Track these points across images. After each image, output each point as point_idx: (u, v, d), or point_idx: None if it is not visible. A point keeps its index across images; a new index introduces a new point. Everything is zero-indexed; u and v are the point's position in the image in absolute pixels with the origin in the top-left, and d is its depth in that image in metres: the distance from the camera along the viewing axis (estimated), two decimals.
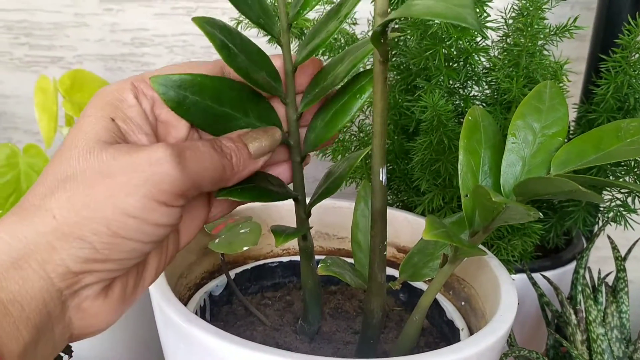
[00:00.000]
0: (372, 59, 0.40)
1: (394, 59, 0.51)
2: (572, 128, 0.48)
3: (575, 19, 0.42)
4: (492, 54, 0.46)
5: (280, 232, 0.34)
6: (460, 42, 0.40)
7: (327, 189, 0.35)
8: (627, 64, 0.42)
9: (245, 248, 0.39)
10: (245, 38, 0.33)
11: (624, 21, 0.62)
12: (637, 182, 0.42)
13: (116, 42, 0.73)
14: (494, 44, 0.46)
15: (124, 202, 0.26)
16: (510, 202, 0.28)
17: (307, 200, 0.37)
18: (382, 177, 0.35)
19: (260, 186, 0.33)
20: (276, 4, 0.36)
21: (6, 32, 0.72)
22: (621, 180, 0.43)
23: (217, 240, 0.41)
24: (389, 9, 0.29)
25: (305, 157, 0.36)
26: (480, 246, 0.41)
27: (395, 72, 0.50)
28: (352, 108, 0.33)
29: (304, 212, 0.37)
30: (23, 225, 0.26)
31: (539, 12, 0.39)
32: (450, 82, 0.44)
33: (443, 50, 0.41)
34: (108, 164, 0.27)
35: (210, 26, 0.30)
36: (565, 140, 0.35)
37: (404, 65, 0.48)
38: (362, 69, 0.36)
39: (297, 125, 0.35)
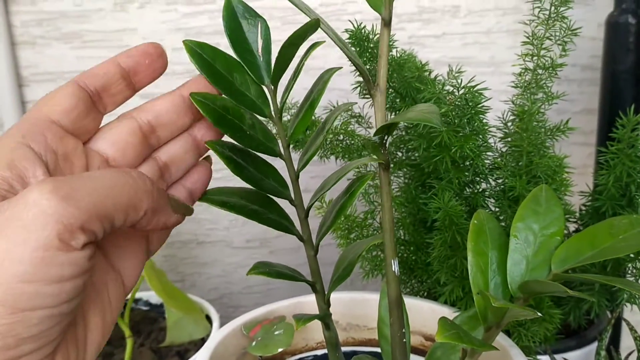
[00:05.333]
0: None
1: (410, 157, 0.55)
2: (579, 215, 0.51)
3: (567, 120, 0.46)
4: (497, 148, 0.50)
5: (300, 318, 0.38)
6: (464, 149, 0.44)
7: (340, 276, 0.40)
8: (624, 155, 0.46)
9: (280, 350, 0.43)
10: (252, 153, 0.39)
11: (627, 98, 0.65)
12: None
13: None
14: (497, 141, 0.50)
15: (13, 266, 0.22)
16: (509, 305, 0.31)
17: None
18: (395, 267, 0.39)
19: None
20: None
21: None
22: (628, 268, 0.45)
23: (254, 343, 0.44)
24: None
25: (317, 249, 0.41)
26: (501, 335, 0.44)
27: (410, 169, 0.55)
28: (348, 206, 0.38)
29: (323, 301, 0.41)
30: None
31: (533, 117, 0.43)
32: (460, 180, 0.48)
33: (449, 156, 0.45)
34: None
35: (219, 146, 0.37)
36: (566, 234, 0.38)
37: (418, 164, 0.53)
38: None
39: (307, 223, 0.40)
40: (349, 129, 0.55)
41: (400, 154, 0.57)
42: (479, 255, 0.39)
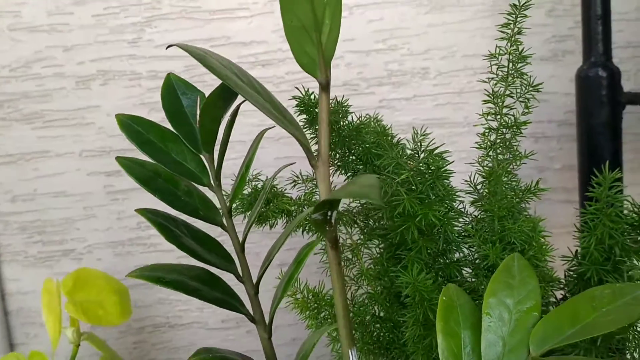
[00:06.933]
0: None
1: (381, 226, 0.51)
2: (564, 281, 0.47)
3: (538, 181, 0.43)
4: (469, 214, 0.47)
5: None
6: (429, 217, 0.40)
7: None
8: (604, 215, 0.42)
9: None
10: (191, 226, 0.39)
11: (606, 152, 0.63)
12: None
13: (123, 228, 0.76)
14: (468, 206, 0.47)
15: None
16: None
17: None
18: (353, 359, 0.35)
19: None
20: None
21: (20, 232, 0.76)
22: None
23: None
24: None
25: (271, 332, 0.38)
26: None
27: (379, 242, 0.51)
28: (295, 276, 0.38)
29: None
30: None
31: (502, 178, 0.40)
32: (430, 250, 0.44)
33: (414, 225, 0.41)
34: None
35: (151, 214, 0.37)
36: (554, 302, 0.34)
37: (387, 234, 0.49)
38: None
39: (257, 300, 0.37)
40: (313, 199, 0.52)
41: (371, 222, 0.53)
42: (450, 336, 0.35)
